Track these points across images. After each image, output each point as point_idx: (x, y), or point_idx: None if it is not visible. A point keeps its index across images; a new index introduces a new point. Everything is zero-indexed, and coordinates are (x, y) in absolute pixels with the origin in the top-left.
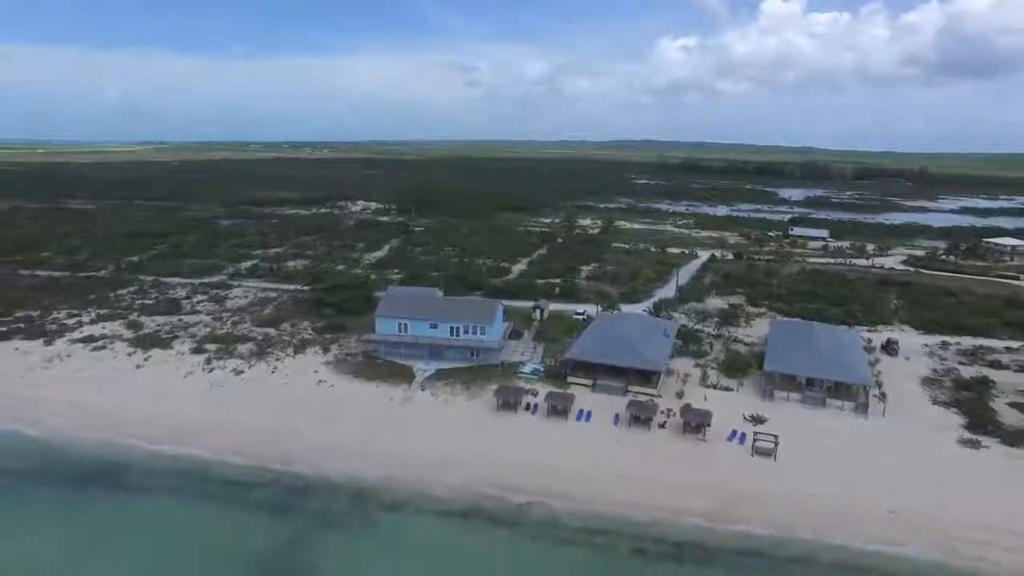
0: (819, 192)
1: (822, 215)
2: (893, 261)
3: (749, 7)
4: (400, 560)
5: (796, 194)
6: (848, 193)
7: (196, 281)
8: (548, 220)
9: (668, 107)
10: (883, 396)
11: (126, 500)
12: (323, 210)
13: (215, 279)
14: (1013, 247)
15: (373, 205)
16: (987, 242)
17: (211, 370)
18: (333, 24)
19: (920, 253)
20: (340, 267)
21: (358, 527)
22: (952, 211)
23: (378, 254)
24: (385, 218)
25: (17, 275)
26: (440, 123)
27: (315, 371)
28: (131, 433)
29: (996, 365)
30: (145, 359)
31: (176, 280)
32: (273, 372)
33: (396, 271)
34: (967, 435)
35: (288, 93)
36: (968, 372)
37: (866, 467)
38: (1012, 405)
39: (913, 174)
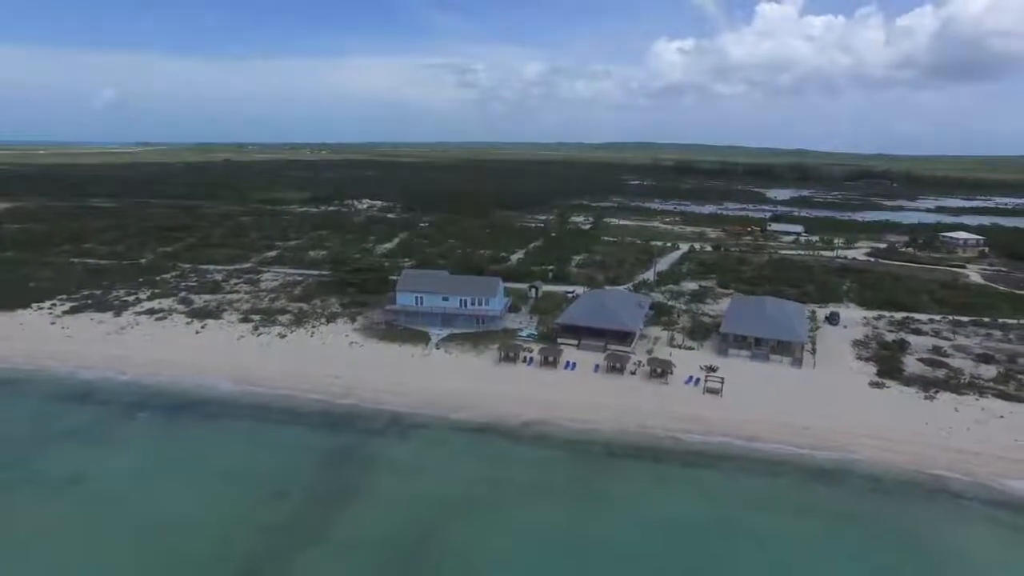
0: (805, 192)
1: (804, 213)
2: (858, 253)
3: (744, 10)
4: (427, 461)
5: (783, 194)
6: (834, 193)
7: (229, 267)
8: (543, 217)
9: (664, 109)
10: (814, 351)
11: (208, 425)
12: (331, 208)
13: (246, 266)
14: (964, 240)
15: (378, 203)
16: (943, 236)
17: (259, 334)
18: (329, 25)
19: (883, 246)
20: (356, 255)
21: (394, 440)
22: (928, 210)
23: (388, 245)
24: (391, 215)
25: (70, 263)
26: (436, 125)
27: (346, 335)
28: (205, 380)
29: (917, 332)
30: (202, 327)
31: (211, 267)
32: (311, 336)
33: (406, 259)
34: (876, 379)
35: (283, 94)
36: (892, 337)
37: (792, 400)
38: (919, 360)
39: (899, 175)
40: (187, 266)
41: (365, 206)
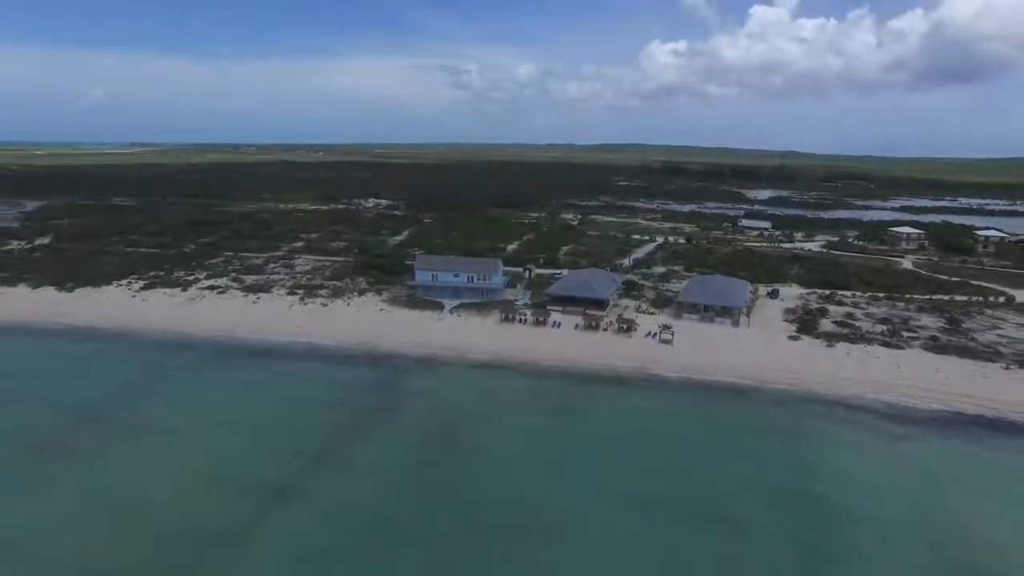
0: (784, 193)
1: (778, 211)
2: (815, 245)
3: (738, 13)
4: (449, 385)
5: (763, 194)
6: (811, 193)
7: (264, 255)
8: (536, 214)
9: (657, 111)
10: (748, 315)
11: (282, 365)
12: (339, 206)
13: (279, 253)
14: (908, 234)
15: (383, 202)
16: (890, 230)
17: (306, 304)
18: (320, 26)
19: (837, 239)
20: (381, 241)
21: (424, 372)
22: (893, 209)
23: (399, 238)
24: (397, 212)
25: (125, 251)
26: (430, 126)
27: (376, 305)
28: (271, 336)
29: (840, 303)
30: (257, 299)
31: (249, 254)
32: (348, 305)
33: (418, 248)
34: (794, 334)
35: (275, 95)
36: (816, 307)
37: (728, 349)
38: (833, 322)
39: (878, 177)
40: (229, 253)
41: (372, 204)
